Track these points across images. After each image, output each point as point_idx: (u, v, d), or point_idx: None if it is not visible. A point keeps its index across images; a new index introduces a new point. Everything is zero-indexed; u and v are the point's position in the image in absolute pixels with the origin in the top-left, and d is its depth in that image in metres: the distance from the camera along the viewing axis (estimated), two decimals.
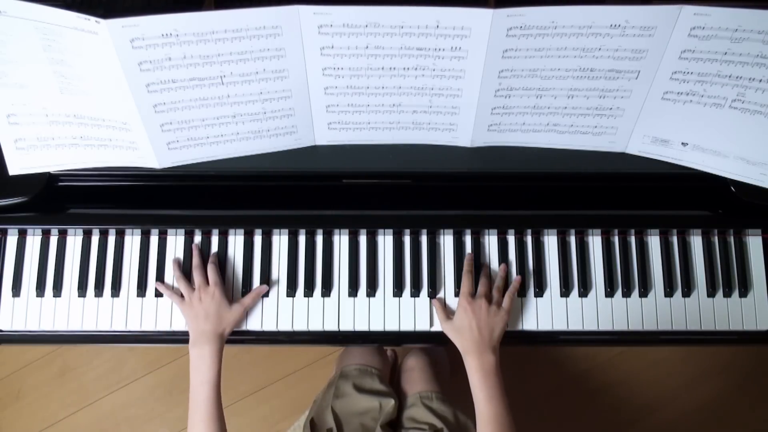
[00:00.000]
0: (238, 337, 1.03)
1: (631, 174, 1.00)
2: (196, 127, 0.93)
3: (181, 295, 0.99)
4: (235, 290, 1.02)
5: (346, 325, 1.01)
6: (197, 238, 1.04)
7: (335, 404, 1.09)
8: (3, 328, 1.02)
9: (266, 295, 1.02)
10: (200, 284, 0.98)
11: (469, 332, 0.93)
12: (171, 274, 1.03)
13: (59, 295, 1.02)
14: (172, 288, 1.02)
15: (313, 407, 1.13)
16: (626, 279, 1.02)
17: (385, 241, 1.04)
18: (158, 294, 1.01)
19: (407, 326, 1.01)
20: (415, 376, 1.23)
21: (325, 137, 1.00)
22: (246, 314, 1.00)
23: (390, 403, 1.09)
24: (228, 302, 0.98)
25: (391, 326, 1.01)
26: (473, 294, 0.97)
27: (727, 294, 1.02)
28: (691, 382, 1.79)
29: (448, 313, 0.99)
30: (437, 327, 1.01)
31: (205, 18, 0.80)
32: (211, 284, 0.98)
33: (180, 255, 1.03)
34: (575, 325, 1.01)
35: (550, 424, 1.75)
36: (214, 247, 1.03)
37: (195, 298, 0.97)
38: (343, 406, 1.09)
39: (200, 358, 0.93)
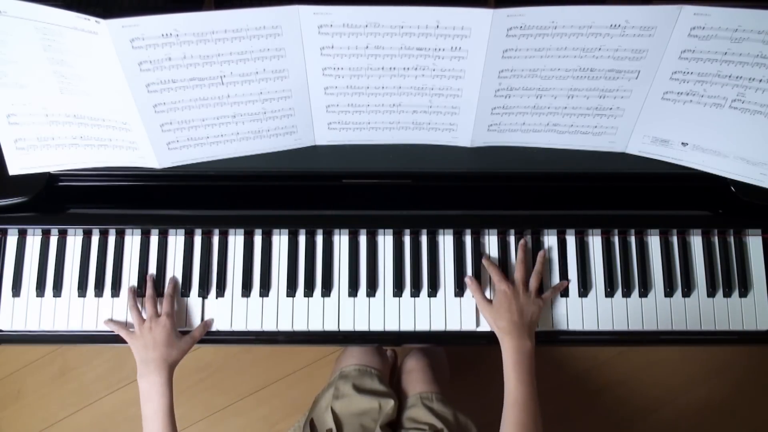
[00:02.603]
0: (238, 337, 1.03)
1: (631, 174, 1.00)
2: (196, 127, 0.93)
3: (133, 325, 0.99)
4: (235, 290, 1.02)
5: (346, 325, 1.01)
6: (197, 238, 1.04)
7: (335, 405, 1.09)
8: (3, 328, 1.02)
9: (266, 295, 1.02)
10: (151, 315, 0.97)
11: (508, 314, 0.94)
12: (172, 276, 1.03)
13: (59, 295, 1.02)
14: (119, 322, 1.00)
15: (313, 408, 1.13)
16: (626, 279, 1.02)
17: (385, 241, 1.03)
18: (159, 295, 1.01)
19: (407, 326, 1.01)
20: (415, 376, 1.23)
21: (325, 137, 1.00)
22: (193, 345, 0.99)
23: (390, 404, 1.09)
24: (178, 334, 0.98)
25: (391, 326, 1.01)
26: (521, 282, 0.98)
27: (727, 294, 1.02)
28: (691, 382, 1.79)
29: (484, 295, 0.99)
30: (437, 327, 1.01)
31: (205, 18, 0.80)
32: (162, 315, 0.97)
33: (180, 255, 1.03)
34: (575, 325, 1.01)
35: (550, 424, 1.74)
36: (215, 247, 1.03)
37: (145, 328, 0.96)
38: (343, 407, 1.09)
39: (151, 387, 0.93)
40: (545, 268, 1.01)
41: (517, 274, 0.99)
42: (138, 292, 1.02)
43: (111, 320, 1.01)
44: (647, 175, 1.00)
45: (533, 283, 0.98)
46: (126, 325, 1.00)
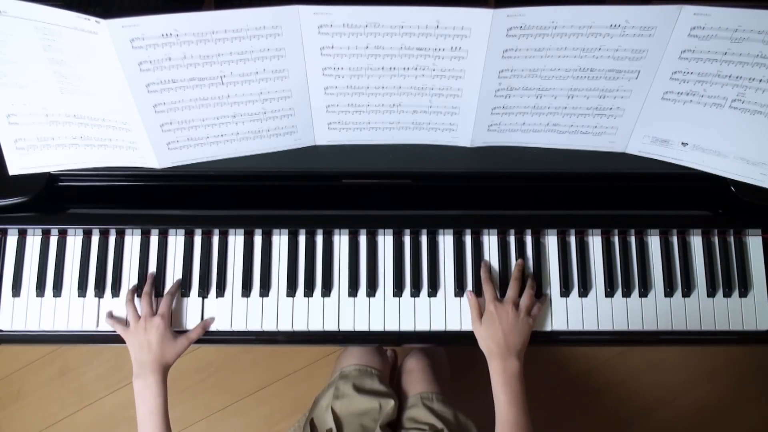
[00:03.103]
0: (238, 337, 1.03)
1: (631, 174, 1.00)
2: (196, 127, 0.93)
3: (129, 322, 0.99)
4: (235, 290, 1.02)
5: (346, 325, 1.01)
6: (197, 238, 1.04)
7: (335, 405, 1.09)
8: (3, 328, 1.02)
9: (266, 295, 1.02)
10: (146, 314, 0.97)
11: (495, 335, 0.94)
12: (172, 279, 1.03)
13: (59, 295, 1.02)
14: (117, 319, 1.00)
15: (313, 408, 1.13)
16: (626, 279, 1.02)
17: (385, 241, 1.03)
18: (158, 294, 1.01)
19: (407, 326, 1.01)
20: (416, 376, 1.23)
21: (325, 137, 1.00)
22: (189, 345, 0.99)
23: (390, 404, 1.09)
24: (172, 334, 0.97)
25: (391, 326, 1.01)
26: (515, 300, 0.97)
27: (727, 294, 1.02)
28: (691, 382, 1.79)
29: (480, 313, 0.98)
30: (437, 327, 1.01)
31: (205, 18, 0.80)
32: (157, 315, 0.97)
33: (180, 255, 1.03)
34: (575, 325, 1.01)
35: (550, 424, 1.75)
36: (215, 247, 1.03)
37: (140, 327, 0.96)
38: (343, 407, 1.09)
39: (145, 389, 0.93)
40: (534, 283, 1.00)
41: (510, 292, 0.98)
42: (138, 292, 1.02)
43: (110, 316, 1.01)
44: (647, 175, 1.00)
45: (524, 300, 0.97)
46: (124, 322, 1.00)
